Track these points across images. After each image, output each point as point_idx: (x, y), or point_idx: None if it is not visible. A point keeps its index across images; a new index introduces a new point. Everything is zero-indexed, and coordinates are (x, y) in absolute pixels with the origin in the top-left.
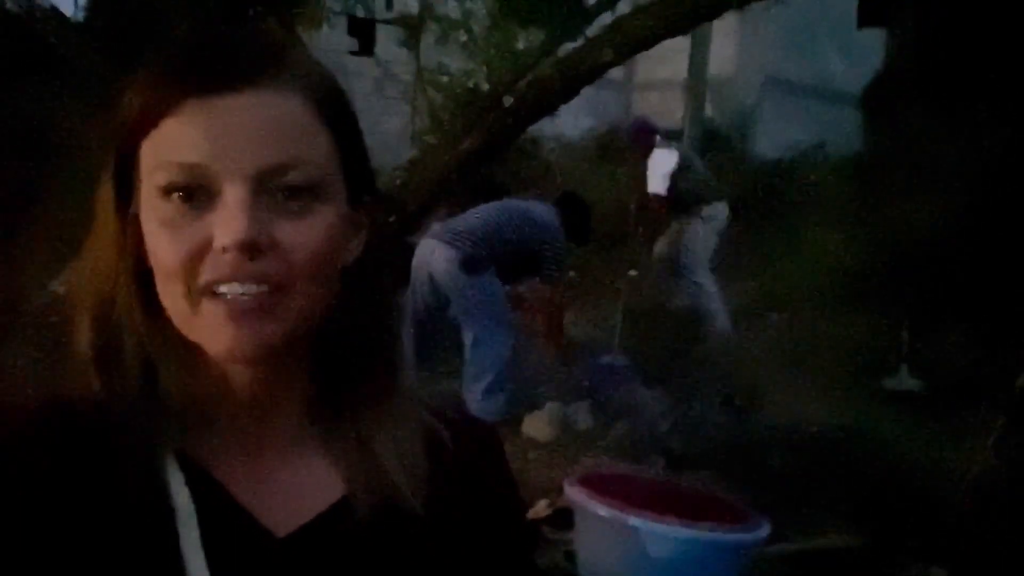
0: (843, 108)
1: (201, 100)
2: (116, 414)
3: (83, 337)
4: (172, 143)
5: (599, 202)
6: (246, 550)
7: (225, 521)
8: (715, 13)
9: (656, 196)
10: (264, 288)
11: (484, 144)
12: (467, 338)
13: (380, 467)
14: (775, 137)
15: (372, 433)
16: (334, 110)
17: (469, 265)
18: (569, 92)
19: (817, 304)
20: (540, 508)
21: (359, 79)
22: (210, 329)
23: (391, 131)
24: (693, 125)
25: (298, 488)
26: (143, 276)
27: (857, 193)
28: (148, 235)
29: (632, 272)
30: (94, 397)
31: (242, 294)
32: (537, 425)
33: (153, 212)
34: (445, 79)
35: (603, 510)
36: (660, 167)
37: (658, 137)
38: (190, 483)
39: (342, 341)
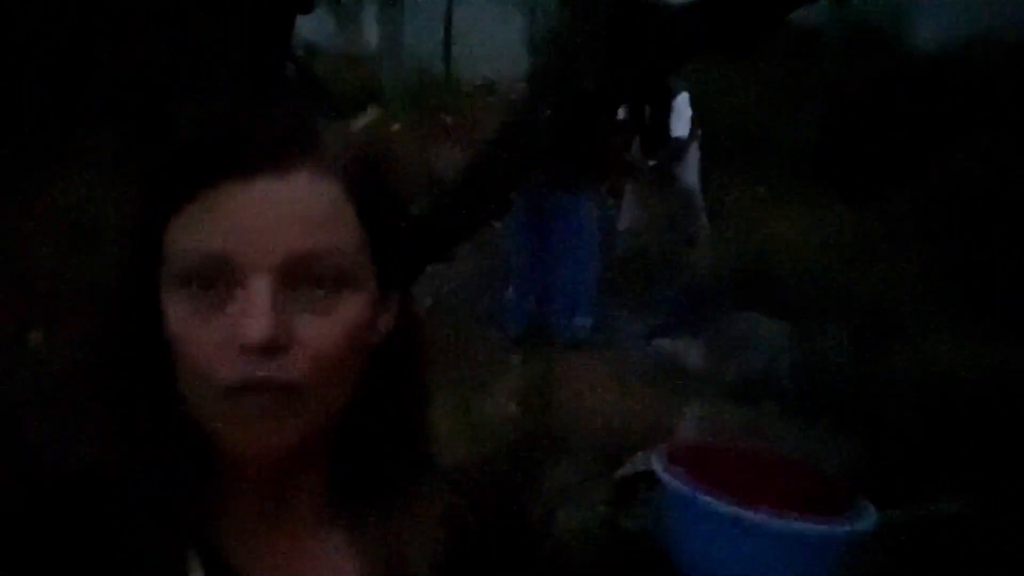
0: None
1: (230, 186)
2: (136, 498)
3: (103, 414)
4: (195, 230)
5: (724, 109)
6: None
7: None
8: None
9: (678, 140)
10: (284, 386)
11: (516, 164)
12: (558, 259)
13: (401, 556)
14: (935, 25)
15: (396, 520)
16: (369, 193)
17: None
18: (613, 103)
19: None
20: (637, 461)
21: None
22: (225, 426)
23: (510, 41)
24: (833, 11)
25: None
26: (162, 355)
27: None
28: (168, 323)
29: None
30: (113, 474)
31: (261, 394)
32: (646, 362)
33: (173, 300)
34: None
35: (689, 491)
36: (685, 110)
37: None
38: (207, 571)
39: (368, 425)
